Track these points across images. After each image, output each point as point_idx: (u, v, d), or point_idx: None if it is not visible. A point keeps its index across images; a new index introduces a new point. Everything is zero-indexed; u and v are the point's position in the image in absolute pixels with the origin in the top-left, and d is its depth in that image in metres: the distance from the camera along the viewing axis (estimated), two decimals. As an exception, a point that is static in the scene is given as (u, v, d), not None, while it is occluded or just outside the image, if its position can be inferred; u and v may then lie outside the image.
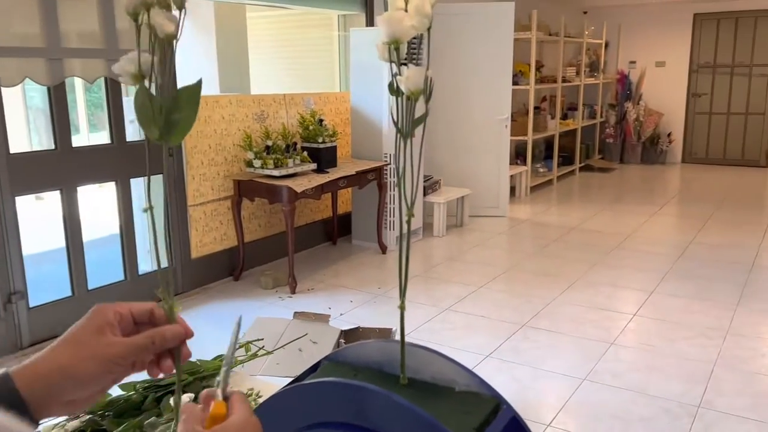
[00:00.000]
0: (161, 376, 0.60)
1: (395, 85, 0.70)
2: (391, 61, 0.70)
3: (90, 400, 0.56)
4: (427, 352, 0.78)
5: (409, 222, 0.73)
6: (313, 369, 0.81)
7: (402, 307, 0.76)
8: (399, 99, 0.71)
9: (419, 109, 0.71)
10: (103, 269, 3.94)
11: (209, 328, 3.71)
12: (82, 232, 3.53)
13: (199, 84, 0.64)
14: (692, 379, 3.00)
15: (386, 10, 0.68)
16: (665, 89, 9.45)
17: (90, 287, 3.62)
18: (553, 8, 8.58)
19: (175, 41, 0.62)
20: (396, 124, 0.71)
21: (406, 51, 0.69)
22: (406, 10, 0.67)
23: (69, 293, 3.53)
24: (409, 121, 0.72)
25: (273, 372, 2.24)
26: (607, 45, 9.41)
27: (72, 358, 0.54)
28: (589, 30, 8.55)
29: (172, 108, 0.61)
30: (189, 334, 0.60)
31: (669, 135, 9.45)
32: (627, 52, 9.68)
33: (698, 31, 9.19)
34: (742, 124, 9.12)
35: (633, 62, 9.64)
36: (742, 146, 9.18)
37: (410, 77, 0.67)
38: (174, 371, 0.61)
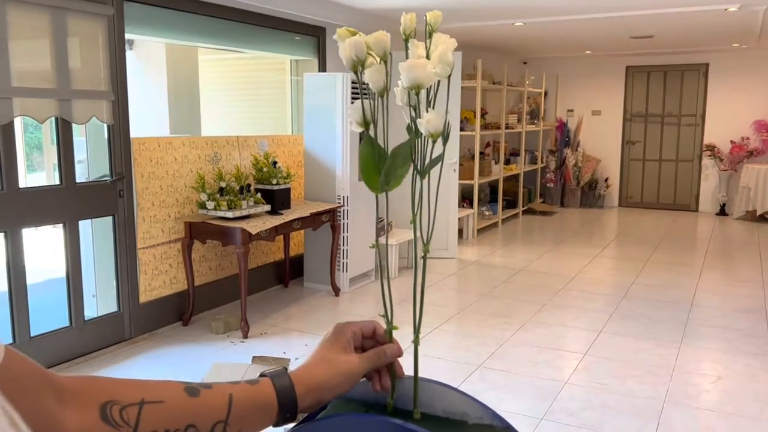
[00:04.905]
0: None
1: (413, 127, 0.73)
2: (410, 105, 0.73)
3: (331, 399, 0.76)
4: (437, 385, 0.80)
5: (425, 259, 0.75)
6: (323, 407, 0.81)
7: (416, 342, 0.78)
8: (417, 140, 0.74)
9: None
10: (45, 315, 3.77)
11: (158, 374, 3.59)
12: (26, 277, 3.39)
13: (409, 144, 0.74)
14: (644, 416, 3.08)
15: (407, 57, 0.72)
16: (601, 136, 9.90)
17: (33, 334, 3.46)
18: (495, 58, 8.92)
19: (386, 94, 0.75)
20: (414, 163, 0.74)
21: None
22: (428, 58, 0.71)
23: (10, 340, 3.36)
24: (425, 161, 0.75)
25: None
26: (546, 94, 9.82)
27: (329, 376, 0.73)
28: (530, 79, 8.92)
29: (392, 163, 0.73)
30: (401, 352, 0.79)
31: (606, 180, 9.85)
32: (565, 101, 10.11)
33: (630, 83, 9.71)
34: (673, 170, 9.61)
35: (571, 111, 10.08)
36: (674, 191, 9.65)
37: (431, 121, 0.71)
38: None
